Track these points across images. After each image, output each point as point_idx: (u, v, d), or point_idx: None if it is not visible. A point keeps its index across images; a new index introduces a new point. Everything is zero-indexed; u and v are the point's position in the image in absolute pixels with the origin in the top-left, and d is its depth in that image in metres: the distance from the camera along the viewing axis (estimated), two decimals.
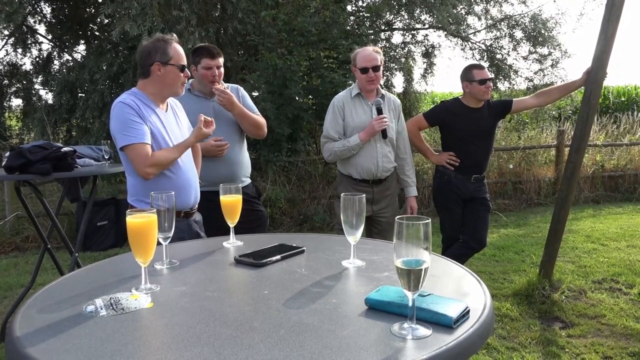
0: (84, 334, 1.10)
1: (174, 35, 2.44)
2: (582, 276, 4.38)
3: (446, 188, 3.67)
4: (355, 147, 3.15)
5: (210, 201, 2.66)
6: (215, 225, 2.41)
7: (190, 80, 3.08)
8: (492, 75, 3.68)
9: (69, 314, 1.21)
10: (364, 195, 1.54)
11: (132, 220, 1.34)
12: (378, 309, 1.19)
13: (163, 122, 2.35)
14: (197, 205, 2.55)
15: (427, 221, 1.04)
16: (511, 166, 7.72)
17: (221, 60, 3.00)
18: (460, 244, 3.72)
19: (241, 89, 3.20)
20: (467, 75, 3.56)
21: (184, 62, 2.38)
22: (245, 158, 3.19)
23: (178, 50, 2.37)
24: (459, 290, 1.36)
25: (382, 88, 3.32)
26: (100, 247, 5.67)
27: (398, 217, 1.06)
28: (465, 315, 1.13)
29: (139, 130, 2.22)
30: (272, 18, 6.58)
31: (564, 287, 3.95)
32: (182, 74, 2.36)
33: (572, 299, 3.85)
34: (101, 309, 1.23)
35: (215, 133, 3.01)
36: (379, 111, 3.14)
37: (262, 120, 3.14)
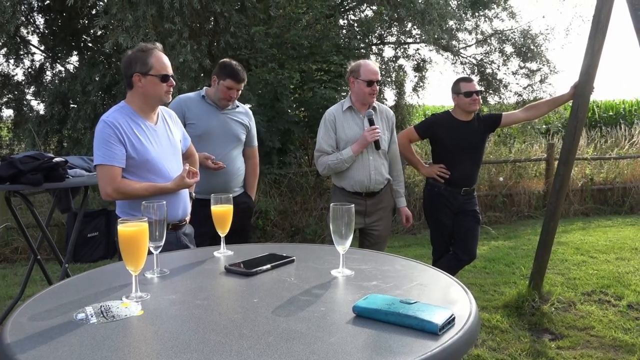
0: (75, 341, 1.11)
1: (157, 44, 2.37)
2: (572, 288, 4.41)
3: (436, 200, 3.70)
4: (348, 159, 3.16)
5: (203, 208, 2.68)
6: (209, 233, 2.42)
7: (205, 88, 3.16)
8: (482, 88, 3.74)
9: (59, 322, 1.22)
10: (353, 205, 1.57)
11: (124, 229, 1.36)
12: (365, 316, 1.21)
13: (149, 136, 2.32)
14: (187, 218, 2.55)
15: None
16: (501, 179, 7.77)
17: (243, 85, 3.09)
18: (450, 256, 3.73)
19: (251, 113, 3.34)
20: (455, 87, 3.61)
21: (167, 71, 2.30)
22: (240, 170, 3.23)
23: (160, 59, 2.29)
24: (446, 298, 1.39)
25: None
26: (89, 258, 5.62)
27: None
28: (450, 322, 1.15)
29: (112, 152, 2.21)
30: (264, 34, 6.63)
31: (554, 299, 3.98)
32: (164, 84, 2.30)
33: (561, 310, 3.87)
34: (92, 316, 1.24)
35: (216, 145, 3.07)
36: (371, 122, 3.17)
37: (256, 160, 3.45)
